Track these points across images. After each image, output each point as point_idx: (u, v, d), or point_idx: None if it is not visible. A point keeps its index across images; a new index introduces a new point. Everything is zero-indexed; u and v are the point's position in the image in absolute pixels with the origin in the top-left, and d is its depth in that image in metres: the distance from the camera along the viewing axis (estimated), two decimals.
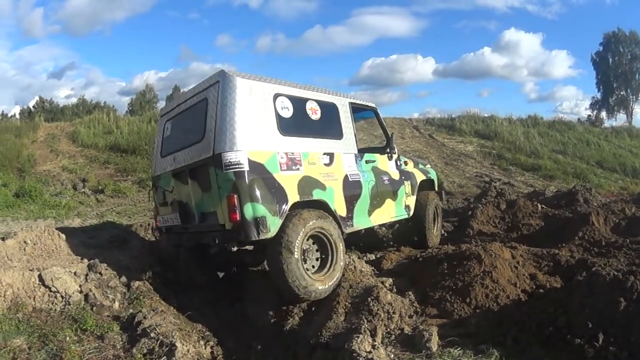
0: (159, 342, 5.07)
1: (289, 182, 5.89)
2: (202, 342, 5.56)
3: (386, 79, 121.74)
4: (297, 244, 5.63)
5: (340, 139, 7.09)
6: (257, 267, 7.27)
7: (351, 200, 6.86)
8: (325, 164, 6.60)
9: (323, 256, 6.18)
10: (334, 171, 6.68)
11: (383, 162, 8.12)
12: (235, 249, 5.80)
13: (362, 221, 7.15)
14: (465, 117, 34.79)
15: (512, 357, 4.35)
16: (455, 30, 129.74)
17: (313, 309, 5.91)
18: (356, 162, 7.24)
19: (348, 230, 6.75)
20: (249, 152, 5.58)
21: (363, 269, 6.90)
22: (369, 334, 4.82)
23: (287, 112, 6.31)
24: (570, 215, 10.12)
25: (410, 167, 9.11)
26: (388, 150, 8.32)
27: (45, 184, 17.97)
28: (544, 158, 25.74)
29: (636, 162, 26.12)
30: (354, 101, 7.78)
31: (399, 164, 8.59)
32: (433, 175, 10.05)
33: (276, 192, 5.69)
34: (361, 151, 7.58)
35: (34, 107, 47.46)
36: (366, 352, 4.46)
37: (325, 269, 6.11)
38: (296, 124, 6.42)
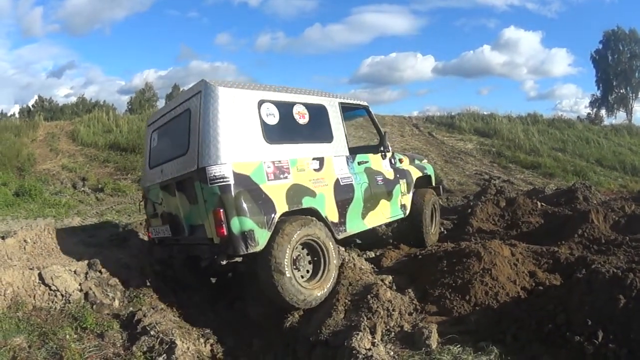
0: (158, 340, 5.08)
1: (277, 192, 5.75)
2: (201, 340, 5.57)
3: (386, 77, 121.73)
4: (286, 263, 5.50)
5: (330, 142, 6.88)
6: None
7: (343, 205, 6.71)
8: (315, 170, 6.42)
9: (315, 258, 6.07)
10: (324, 176, 6.50)
11: (376, 161, 7.91)
12: (224, 262, 5.67)
13: (355, 225, 6.99)
14: (465, 115, 34.69)
15: (511, 354, 4.36)
16: (455, 28, 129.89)
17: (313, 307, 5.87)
18: (348, 165, 7.03)
19: (341, 235, 6.64)
20: (233, 164, 5.45)
21: (363, 267, 6.89)
22: (368, 331, 4.83)
23: (273, 119, 6.12)
24: (569, 213, 10.12)
25: (405, 164, 8.93)
26: (381, 148, 8.07)
27: (45, 182, 17.95)
28: (543, 156, 25.68)
29: (636, 160, 26.07)
30: (344, 101, 7.52)
31: (393, 162, 8.38)
32: (430, 171, 9.92)
33: (263, 204, 5.56)
34: (353, 152, 7.35)
35: (33, 106, 47.42)
36: (366, 349, 4.47)
37: (320, 274, 6.01)
38: (283, 130, 6.23)
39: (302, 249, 5.96)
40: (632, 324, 4.05)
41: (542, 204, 11.23)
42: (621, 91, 56.25)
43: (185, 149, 5.83)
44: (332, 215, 6.46)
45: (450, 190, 18.80)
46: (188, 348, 5.01)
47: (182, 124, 6.06)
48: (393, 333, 5.03)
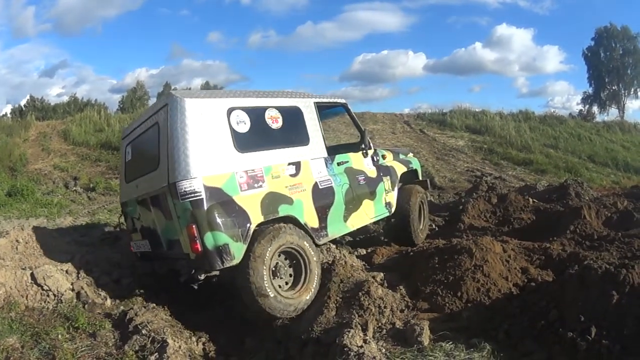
0: (150, 338, 5.09)
1: (251, 203, 5.58)
2: (193, 339, 5.57)
3: (377, 75, 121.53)
4: (267, 286, 5.38)
5: (306, 145, 6.62)
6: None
7: (323, 209, 6.50)
8: (292, 175, 6.21)
9: (294, 261, 5.93)
10: (301, 181, 6.28)
11: (357, 160, 7.60)
12: (203, 277, 5.66)
13: (337, 229, 6.80)
14: (457, 111, 34.72)
15: (504, 351, 4.37)
16: (447, 25, 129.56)
17: None
18: (326, 167, 6.78)
19: (323, 240, 6.48)
20: (204, 177, 5.29)
21: (354, 264, 6.91)
22: (360, 328, 4.83)
23: (244, 126, 5.91)
24: (562, 209, 10.15)
25: (389, 160, 8.62)
26: (362, 146, 7.72)
27: (37, 182, 17.92)
28: (535, 152, 25.74)
29: (628, 156, 26.23)
30: (320, 100, 7.24)
31: (375, 159, 8.06)
32: (416, 164, 9.65)
33: (237, 216, 5.40)
34: (332, 152, 7.09)
35: (25, 105, 47.29)
36: (357, 346, 4.47)
37: (303, 278, 5.88)
38: (255, 137, 6.02)
39: (279, 256, 5.79)
40: (626, 319, 4.06)
41: (534, 200, 11.24)
42: (613, 88, 56.32)
43: (156, 164, 5.71)
44: (311, 220, 6.28)
45: (442, 187, 18.85)
46: (180, 346, 5.01)
47: (152, 138, 5.95)
48: (385, 330, 5.03)
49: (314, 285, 5.86)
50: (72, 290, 6.07)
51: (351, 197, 7.06)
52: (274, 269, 5.66)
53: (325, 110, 7.83)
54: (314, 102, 7.02)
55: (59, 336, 5.11)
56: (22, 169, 20.06)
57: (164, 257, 6.33)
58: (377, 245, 8.70)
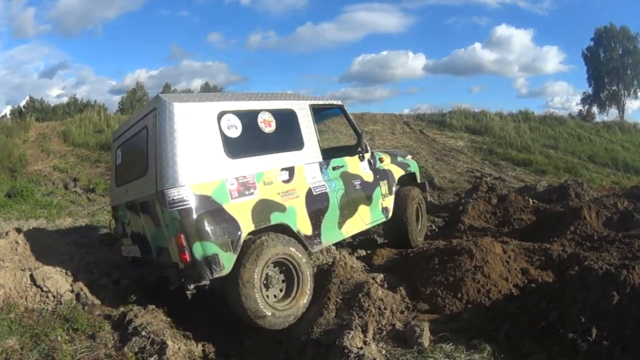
0: (150, 340, 5.08)
1: (242, 211, 5.43)
2: (193, 340, 5.58)
3: (377, 76, 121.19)
4: (262, 307, 5.26)
5: (301, 149, 6.41)
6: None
7: (317, 216, 6.32)
8: (285, 181, 6.03)
9: (284, 267, 5.75)
10: (295, 187, 6.11)
11: (354, 164, 7.38)
12: (192, 286, 5.40)
13: (332, 236, 6.63)
14: (456, 112, 34.62)
15: (504, 352, 4.37)
16: (446, 26, 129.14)
17: None
18: (321, 172, 6.59)
19: (316, 248, 6.36)
20: (193, 185, 5.14)
21: (354, 265, 6.86)
22: (360, 330, 4.83)
23: (235, 131, 5.72)
24: (562, 209, 10.15)
25: (386, 163, 8.38)
26: (359, 149, 7.51)
27: (36, 183, 17.87)
28: (535, 153, 25.68)
29: (628, 156, 26.17)
30: (315, 102, 7.00)
31: (372, 163, 7.84)
32: (414, 167, 9.39)
33: (227, 225, 5.26)
34: (327, 156, 6.88)
35: (24, 106, 47.17)
36: (357, 348, 4.47)
37: (296, 284, 5.74)
38: (247, 142, 5.85)
39: (268, 267, 5.59)
40: (626, 320, 4.06)
41: (534, 201, 11.25)
42: (613, 88, 56.26)
43: (144, 169, 5.57)
44: (305, 228, 6.13)
45: (442, 188, 18.79)
46: (179, 348, 5.00)
47: (140, 142, 5.80)
48: (385, 331, 5.03)
49: (308, 287, 5.77)
50: (72, 291, 6.08)
51: (346, 203, 6.90)
52: (265, 282, 5.54)
53: (321, 112, 7.60)
54: (309, 105, 6.83)
55: (59, 337, 5.11)
56: (21, 170, 20.02)
57: (154, 264, 6.18)
58: (377, 247, 8.68)
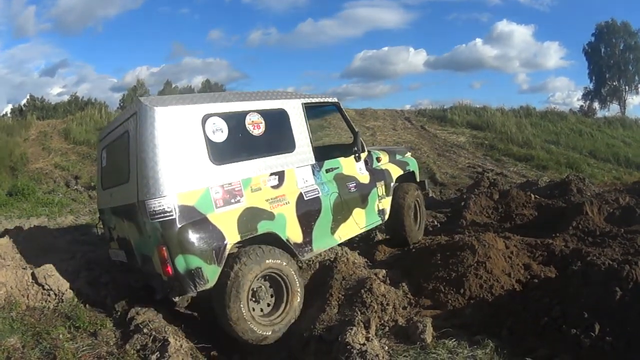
0: (152, 337, 5.05)
1: (227, 221, 5.18)
2: (195, 337, 5.54)
3: (378, 71, 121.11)
4: (259, 331, 5.19)
5: (292, 152, 6.10)
6: None
7: (308, 223, 6.04)
8: (274, 187, 5.75)
9: (268, 277, 5.54)
10: (285, 192, 5.83)
11: (349, 165, 7.04)
12: (177, 299, 5.36)
13: (324, 242, 6.33)
14: (457, 108, 34.62)
15: (507, 347, 4.36)
16: (447, 22, 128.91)
17: (306, 301, 5.80)
18: (314, 175, 6.29)
19: (307, 256, 6.10)
20: (175, 195, 4.90)
21: (356, 261, 6.87)
22: (362, 326, 4.82)
23: (221, 135, 5.41)
24: (563, 205, 10.16)
25: (384, 162, 8.02)
26: (355, 149, 7.12)
27: (37, 182, 17.93)
28: (536, 148, 25.71)
29: (629, 152, 26.15)
30: (309, 100, 6.64)
31: (369, 163, 7.49)
32: (413, 166, 8.98)
33: (211, 237, 5.03)
34: (321, 157, 6.55)
35: (25, 105, 47.15)
36: (360, 344, 4.45)
37: (285, 294, 5.55)
38: (233, 146, 5.57)
39: (255, 281, 5.36)
40: (629, 316, 4.05)
41: (536, 196, 11.21)
42: (614, 84, 56.18)
43: (126, 176, 5.34)
44: (295, 236, 5.85)
45: (443, 184, 18.84)
46: (181, 345, 4.97)
47: (122, 147, 5.54)
48: (387, 327, 5.03)
49: (297, 286, 5.58)
50: (73, 289, 6.06)
51: (340, 207, 6.60)
52: (253, 299, 5.37)
53: (315, 110, 7.28)
54: (302, 103, 6.48)
55: (60, 336, 5.10)
56: (22, 168, 20.05)
57: (140, 271, 5.92)
58: (379, 242, 8.67)
